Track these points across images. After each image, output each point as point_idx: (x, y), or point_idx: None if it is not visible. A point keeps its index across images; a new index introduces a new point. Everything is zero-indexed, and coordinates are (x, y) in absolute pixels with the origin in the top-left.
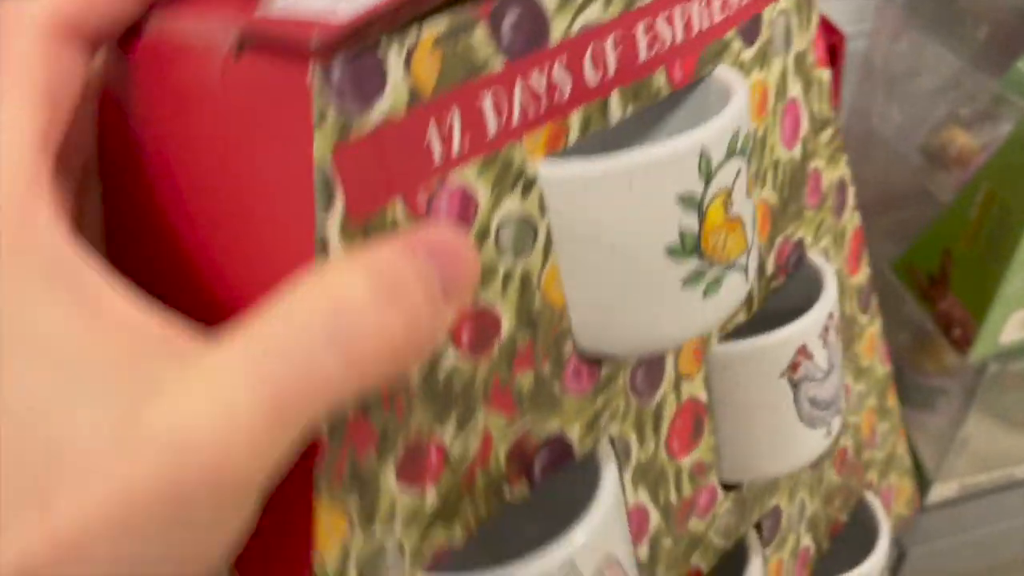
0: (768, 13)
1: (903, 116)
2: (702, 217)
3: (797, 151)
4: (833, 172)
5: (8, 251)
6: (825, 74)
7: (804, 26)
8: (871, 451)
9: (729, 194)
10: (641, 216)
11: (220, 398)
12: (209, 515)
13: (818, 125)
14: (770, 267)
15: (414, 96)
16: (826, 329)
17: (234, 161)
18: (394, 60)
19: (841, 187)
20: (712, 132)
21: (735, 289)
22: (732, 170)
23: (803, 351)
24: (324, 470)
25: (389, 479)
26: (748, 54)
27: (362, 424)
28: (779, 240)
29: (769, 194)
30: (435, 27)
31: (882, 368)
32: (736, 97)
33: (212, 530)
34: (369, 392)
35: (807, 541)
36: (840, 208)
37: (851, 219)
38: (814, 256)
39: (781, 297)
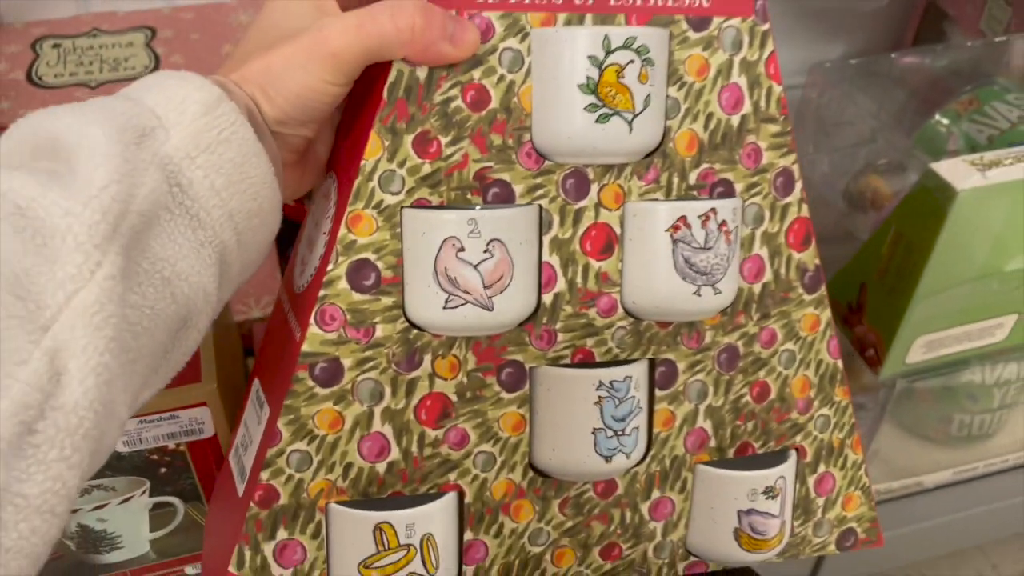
0: (718, 21)
1: (829, 165)
2: (600, 73)
3: (735, 120)
4: (778, 159)
5: None
6: (776, 87)
7: (756, 45)
8: (799, 416)
9: (622, 68)
10: (568, 61)
11: (345, 23)
12: (332, 68)
13: (763, 116)
14: (692, 178)
15: None
16: (707, 218)
17: None
18: None
19: (787, 174)
20: (613, 30)
21: (619, 127)
22: (626, 57)
23: (683, 220)
24: (381, 118)
25: (408, 143)
26: (693, 36)
27: (403, 105)
28: (705, 166)
29: (699, 129)
30: None
31: (828, 356)
32: (638, 29)
33: (335, 83)
34: (398, 50)
35: (706, 426)
36: (785, 190)
37: (797, 206)
38: (748, 202)
39: None
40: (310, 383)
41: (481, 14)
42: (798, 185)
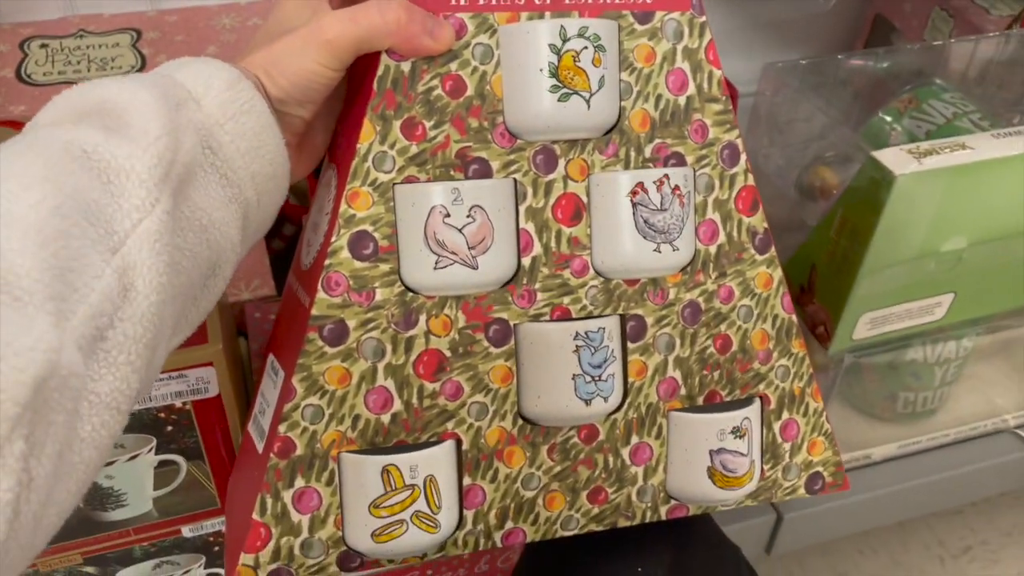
0: (660, 15)
1: (782, 158)
2: (559, 58)
3: (682, 100)
4: (723, 134)
5: None
6: (716, 71)
7: (695, 35)
8: (760, 366)
9: (577, 54)
10: (531, 50)
11: (339, 15)
12: (327, 54)
13: (706, 97)
14: (647, 151)
15: None
16: (661, 183)
17: None
18: None
19: (731, 147)
20: (569, 21)
21: (578, 105)
22: (580, 44)
23: (640, 186)
24: (372, 107)
25: (397, 127)
26: (639, 28)
27: (390, 95)
28: (657, 140)
29: (651, 108)
30: None
31: (782, 311)
32: (590, 20)
33: (329, 67)
34: (385, 39)
35: (676, 375)
36: (731, 161)
37: (744, 175)
38: (698, 172)
39: None
40: (320, 343)
41: (455, 15)
42: (743, 157)
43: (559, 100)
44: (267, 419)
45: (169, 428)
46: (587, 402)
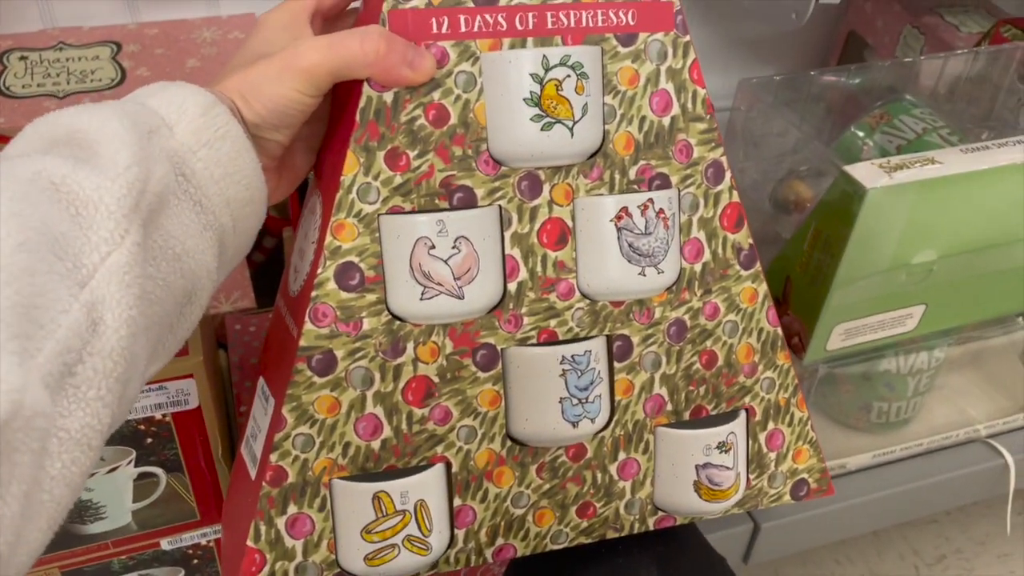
0: (643, 36)
1: (757, 172)
2: (541, 88)
3: (666, 121)
4: (707, 152)
5: (287, 17)
6: (700, 90)
7: (679, 56)
8: (746, 379)
9: (560, 82)
10: (514, 79)
11: (317, 43)
12: (304, 80)
13: (691, 116)
14: (632, 173)
15: (428, 4)
16: (646, 207)
17: (367, 19)
18: None
19: (716, 165)
20: (551, 51)
21: (561, 134)
22: (563, 72)
23: (625, 211)
24: (355, 139)
25: (380, 158)
26: (623, 50)
27: (373, 126)
28: (642, 162)
29: (635, 130)
30: None
31: (768, 325)
32: (572, 48)
33: (306, 93)
34: (363, 69)
35: (662, 392)
36: (716, 179)
37: (728, 193)
38: (683, 192)
39: None
40: (308, 373)
41: (437, 43)
42: (727, 175)
43: (542, 129)
44: (259, 445)
45: (149, 440)
46: (574, 424)
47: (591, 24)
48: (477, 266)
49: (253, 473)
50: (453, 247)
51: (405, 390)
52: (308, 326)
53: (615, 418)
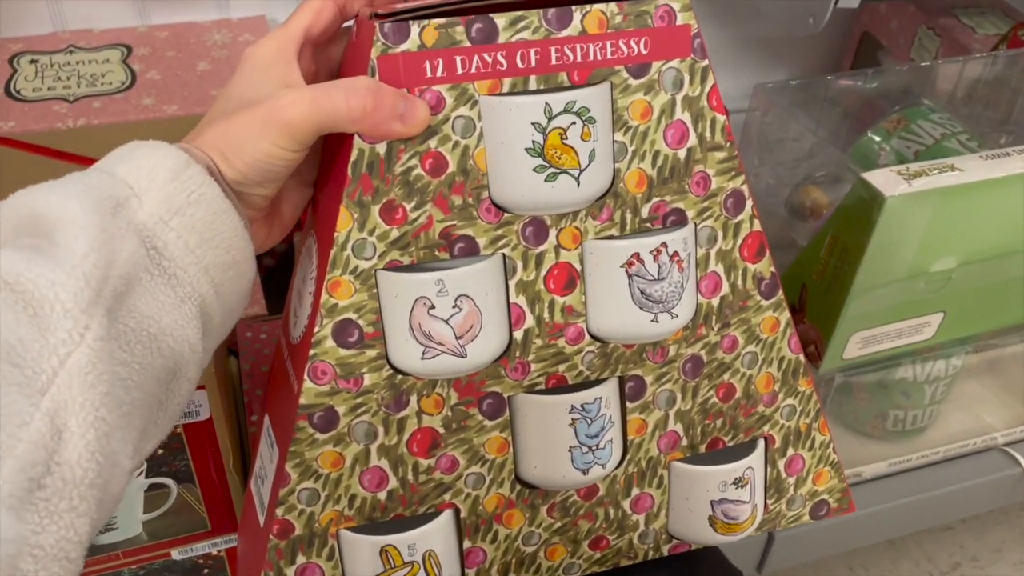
0: (657, 66)
1: (772, 178)
2: (545, 137)
3: (682, 153)
4: (727, 182)
5: (273, 52)
6: (719, 117)
7: (696, 81)
8: (765, 408)
9: (564, 131)
10: (515, 129)
11: (301, 96)
12: (287, 136)
13: (709, 146)
14: (644, 212)
15: (421, 47)
16: (659, 252)
17: (356, 58)
18: (414, 29)
19: (736, 195)
20: (553, 97)
21: (567, 183)
22: (567, 120)
23: (636, 256)
24: (348, 194)
25: (375, 212)
26: (634, 83)
27: (366, 180)
28: (655, 199)
29: (648, 167)
30: (438, 21)
31: (789, 352)
32: (577, 90)
33: (288, 149)
34: (349, 125)
35: (677, 428)
36: (736, 209)
37: (749, 222)
38: (700, 226)
39: None
40: (310, 430)
41: (431, 88)
42: (748, 203)
43: (546, 180)
44: (266, 491)
45: (160, 451)
46: (584, 471)
47: (599, 57)
48: (480, 323)
49: (262, 520)
50: (454, 306)
51: (410, 442)
52: (308, 384)
53: (628, 456)
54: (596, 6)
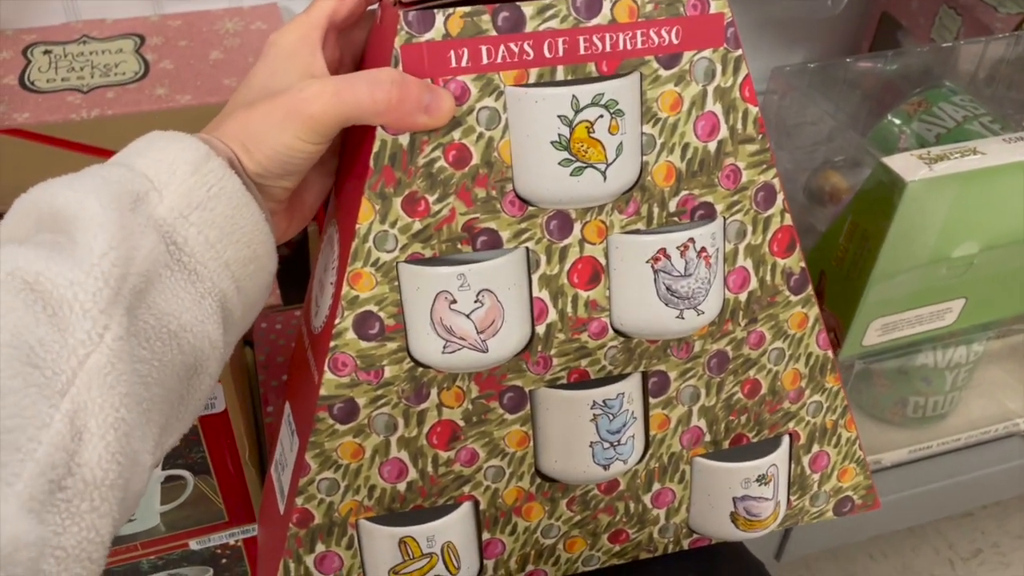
0: (689, 56)
1: (790, 163)
2: (571, 131)
3: (712, 146)
4: (758, 175)
5: (296, 40)
6: (752, 109)
7: (729, 72)
8: (791, 405)
9: (592, 124)
10: (540, 121)
11: (324, 89)
12: (309, 129)
13: (740, 138)
14: (672, 205)
15: (446, 36)
16: (686, 247)
17: (381, 45)
18: (439, 18)
19: (767, 188)
20: (581, 89)
21: (593, 178)
22: (595, 113)
23: (663, 252)
24: (369, 186)
25: (398, 205)
26: (665, 73)
27: (389, 172)
28: (684, 193)
29: (676, 160)
30: (463, 9)
31: (817, 349)
32: (606, 82)
33: (310, 142)
34: (373, 118)
35: (700, 424)
36: (767, 203)
37: (780, 216)
38: (729, 220)
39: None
40: (330, 421)
41: (456, 78)
42: (779, 197)
43: (572, 175)
44: (286, 479)
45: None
46: (605, 467)
47: (629, 47)
48: (502, 318)
49: (282, 508)
50: (476, 301)
51: (430, 434)
52: (328, 375)
53: (650, 452)
54: None
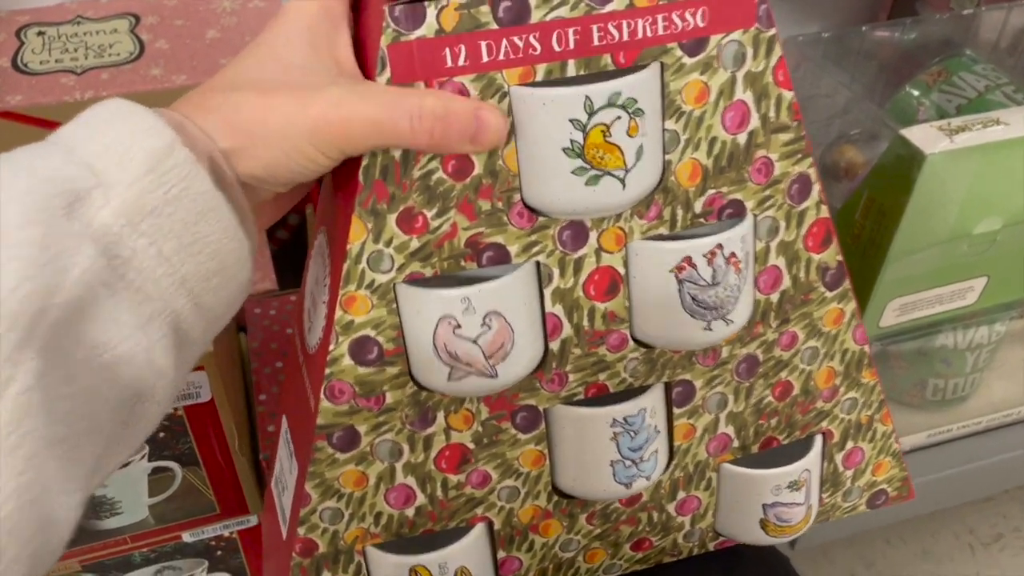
0: (716, 39)
1: None
2: (585, 135)
3: (742, 137)
4: (792, 167)
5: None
6: (786, 94)
7: (761, 55)
8: (824, 404)
9: (608, 127)
10: (550, 126)
11: (359, 111)
12: (337, 151)
13: (773, 127)
14: (698, 206)
15: (439, 32)
16: (713, 255)
17: (369, 38)
18: (431, 11)
19: (802, 179)
20: (595, 89)
21: (610, 188)
22: (611, 114)
23: (688, 260)
24: (360, 202)
25: (392, 222)
26: (689, 62)
27: (380, 186)
28: (711, 191)
29: (702, 156)
30: (459, 0)
31: (853, 344)
32: (622, 79)
33: (334, 159)
34: (408, 144)
35: (728, 431)
36: (801, 196)
37: (816, 208)
38: (760, 217)
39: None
40: (330, 450)
41: (452, 80)
42: (815, 188)
43: (587, 184)
44: (287, 502)
45: (161, 434)
46: (627, 485)
47: (649, 34)
48: (511, 341)
49: (284, 532)
50: (483, 324)
51: (438, 459)
52: (325, 404)
53: (674, 462)
54: None
